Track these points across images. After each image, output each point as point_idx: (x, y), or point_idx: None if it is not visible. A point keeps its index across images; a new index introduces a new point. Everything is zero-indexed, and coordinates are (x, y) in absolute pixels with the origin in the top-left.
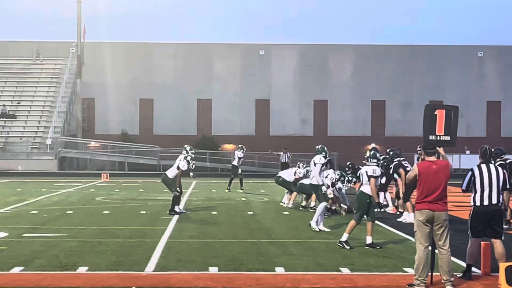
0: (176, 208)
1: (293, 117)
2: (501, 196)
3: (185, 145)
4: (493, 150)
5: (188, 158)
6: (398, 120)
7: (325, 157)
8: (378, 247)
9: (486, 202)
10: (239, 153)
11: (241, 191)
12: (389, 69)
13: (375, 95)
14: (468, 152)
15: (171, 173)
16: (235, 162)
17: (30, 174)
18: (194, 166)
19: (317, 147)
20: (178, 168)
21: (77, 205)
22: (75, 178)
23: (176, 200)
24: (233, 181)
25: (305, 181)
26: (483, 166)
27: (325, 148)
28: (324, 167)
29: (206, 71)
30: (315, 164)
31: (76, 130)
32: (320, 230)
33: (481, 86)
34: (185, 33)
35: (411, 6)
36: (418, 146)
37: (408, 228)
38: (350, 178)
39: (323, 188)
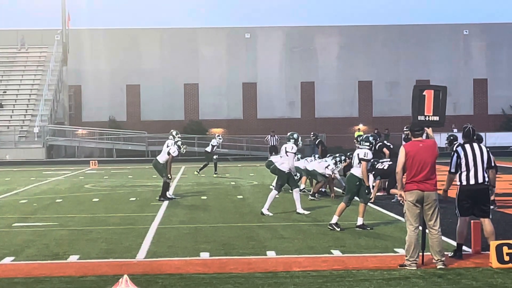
0: (167, 194)
1: (280, 100)
2: (486, 174)
3: (171, 130)
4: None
5: (179, 143)
6: (386, 100)
7: (296, 144)
8: (369, 228)
9: (472, 181)
10: (214, 141)
11: (214, 175)
12: (375, 49)
13: (362, 75)
14: (455, 130)
15: (162, 158)
16: (208, 149)
17: (18, 163)
18: (185, 151)
19: (288, 134)
20: (168, 153)
21: (66, 193)
22: (63, 166)
23: (167, 186)
24: (206, 167)
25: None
26: (467, 146)
27: (295, 135)
28: (317, 155)
29: (192, 56)
30: (286, 153)
31: (63, 117)
32: (264, 214)
33: (467, 64)
34: (171, 18)
35: None
36: (405, 127)
37: (398, 208)
38: (340, 159)
39: (298, 175)
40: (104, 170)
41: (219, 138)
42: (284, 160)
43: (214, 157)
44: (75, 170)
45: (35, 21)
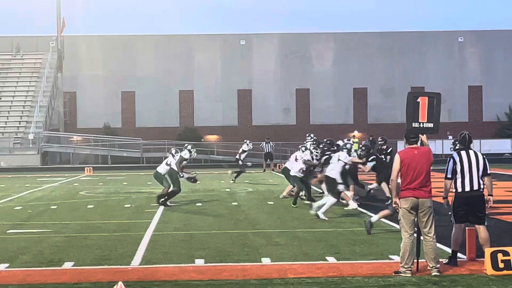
0: (167, 202)
1: (276, 106)
2: (481, 181)
3: (171, 149)
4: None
5: (189, 147)
6: (380, 106)
7: (349, 154)
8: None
9: (467, 188)
10: (245, 147)
11: (232, 181)
12: (370, 56)
13: (357, 82)
14: (450, 137)
15: (162, 169)
16: (240, 156)
17: (13, 170)
18: (195, 154)
19: (341, 143)
20: (167, 164)
21: (61, 200)
22: (58, 172)
23: (174, 194)
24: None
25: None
26: (463, 153)
27: (348, 145)
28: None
29: (187, 63)
30: (338, 160)
31: (58, 124)
32: (320, 217)
33: (462, 71)
34: (166, 24)
35: None
36: (380, 137)
37: (393, 215)
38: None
39: (340, 187)
40: (99, 177)
41: (250, 143)
42: (334, 167)
43: (248, 162)
44: (70, 176)
45: (30, 28)
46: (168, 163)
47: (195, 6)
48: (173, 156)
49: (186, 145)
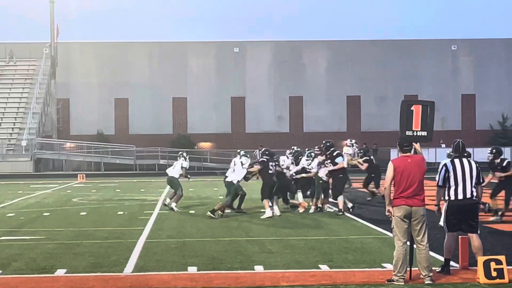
0: (173, 206)
1: (269, 114)
2: (474, 190)
3: (180, 152)
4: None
5: (242, 152)
6: (374, 114)
7: None
8: None
9: (460, 196)
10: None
11: None
12: (364, 64)
13: (350, 90)
14: (443, 145)
15: (175, 173)
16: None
17: (5, 176)
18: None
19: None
20: (182, 167)
21: (54, 207)
22: (51, 179)
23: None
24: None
25: None
26: (456, 161)
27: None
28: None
29: (181, 70)
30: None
31: (51, 131)
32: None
33: (455, 79)
34: (159, 32)
35: (384, 0)
36: (317, 147)
37: (386, 223)
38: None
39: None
40: (92, 184)
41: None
42: None
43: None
44: (62, 183)
45: (23, 34)
46: (179, 165)
47: (189, 13)
48: (185, 158)
49: (239, 150)
